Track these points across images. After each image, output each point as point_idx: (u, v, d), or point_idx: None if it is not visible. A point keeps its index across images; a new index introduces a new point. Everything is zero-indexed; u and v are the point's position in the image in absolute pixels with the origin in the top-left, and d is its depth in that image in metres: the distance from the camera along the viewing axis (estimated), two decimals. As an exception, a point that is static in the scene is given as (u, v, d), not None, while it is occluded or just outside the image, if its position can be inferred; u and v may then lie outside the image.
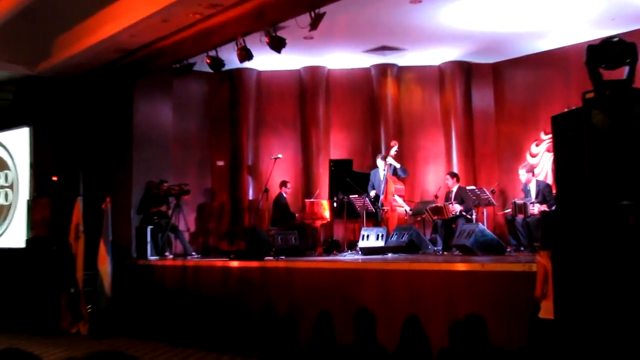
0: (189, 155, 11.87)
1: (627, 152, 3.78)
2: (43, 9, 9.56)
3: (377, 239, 8.93)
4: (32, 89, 11.39)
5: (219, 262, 8.78)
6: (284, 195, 11.02)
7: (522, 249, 8.76)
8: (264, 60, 10.88)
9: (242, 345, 7.90)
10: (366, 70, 11.93)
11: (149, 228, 10.22)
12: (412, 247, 8.70)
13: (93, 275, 9.75)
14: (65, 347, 8.65)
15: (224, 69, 9.99)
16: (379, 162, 10.56)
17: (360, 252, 9.17)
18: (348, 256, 9.32)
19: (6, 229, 11.85)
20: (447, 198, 10.19)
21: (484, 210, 9.84)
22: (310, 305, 7.25)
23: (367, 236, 9.04)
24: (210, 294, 8.57)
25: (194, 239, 11.59)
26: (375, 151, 11.50)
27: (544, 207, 8.91)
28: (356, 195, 10.03)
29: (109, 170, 11.09)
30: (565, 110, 4.35)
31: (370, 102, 11.96)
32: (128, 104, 10.87)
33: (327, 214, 10.50)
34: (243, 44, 8.91)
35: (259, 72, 12.10)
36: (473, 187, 9.95)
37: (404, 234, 8.80)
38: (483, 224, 8.91)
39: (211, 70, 10.03)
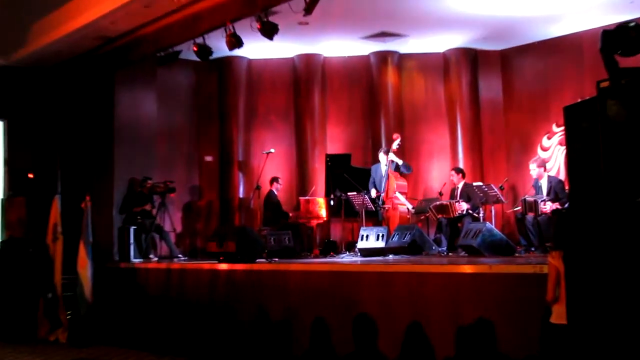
0: (174, 151, 11.88)
1: (645, 145, 3.77)
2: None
3: (377, 239, 8.92)
4: (6, 80, 11.35)
5: (207, 264, 8.77)
6: (275, 192, 11.03)
7: (532, 249, 8.75)
8: (255, 48, 10.89)
9: (231, 354, 7.90)
10: (365, 58, 11.94)
11: (132, 229, 10.21)
12: (414, 247, 8.68)
13: (72, 279, 9.75)
14: (43, 356, 8.65)
15: (212, 57, 9.93)
16: (381, 156, 10.53)
17: (359, 254, 9.16)
18: (346, 258, 9.31)
19: (-21, 230, 11.82)
20: (453, 195, 10.20)
21: (492, 208, 9.87)
22: (306, 311, 7.24)
23: (367, 236, 9.03)
24: (197, 299, 8.57)
25: (180, 240, 11.60)
26: (375, 145, 11.51)
27: (556, 205, 8.90)
28: (355, 193, 10.02)
29: (89, 166, 11.10)
30: (579, 100, 4.32)
31: (370, 93, 11.96)
32: (109, 96, 10.87)
33: (323, 212, 10.51)
34: (232, 31, 8.89)
35: (250, 61, 12.09)
36: (480, 184, 9.98)
37: (406, 234, 8.79)
38: (491, 223, 8.91)
39: (198, 59, 9.99)
